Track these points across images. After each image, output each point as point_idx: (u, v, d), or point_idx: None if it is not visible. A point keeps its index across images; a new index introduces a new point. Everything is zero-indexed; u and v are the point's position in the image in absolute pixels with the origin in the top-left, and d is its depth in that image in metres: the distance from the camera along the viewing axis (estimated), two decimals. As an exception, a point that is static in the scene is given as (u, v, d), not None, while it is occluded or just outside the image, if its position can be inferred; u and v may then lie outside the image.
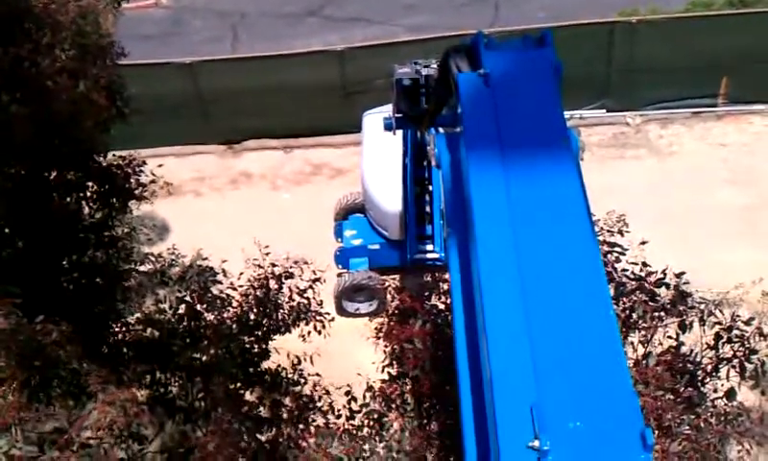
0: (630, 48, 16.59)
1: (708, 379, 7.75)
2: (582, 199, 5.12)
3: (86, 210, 7.50)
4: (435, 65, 7.70)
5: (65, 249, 7.04)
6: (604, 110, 17.30)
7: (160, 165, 8.55)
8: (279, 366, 8.24)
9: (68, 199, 7.23)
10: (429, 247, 13.08)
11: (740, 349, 7.64)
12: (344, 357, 10.68)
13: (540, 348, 4.29)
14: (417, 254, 13.04)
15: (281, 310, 8.27)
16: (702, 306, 7.82)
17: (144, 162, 7.70)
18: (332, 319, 8.69)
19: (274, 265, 8.39)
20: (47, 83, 6.78)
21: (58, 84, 6.80)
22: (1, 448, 4.51)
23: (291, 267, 8.39)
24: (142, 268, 7.81)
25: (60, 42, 6.87)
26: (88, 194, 7.40)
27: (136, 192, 7.52)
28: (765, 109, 17.09)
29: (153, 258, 7.74)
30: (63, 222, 7.03)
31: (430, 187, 12.92)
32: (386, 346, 8.34)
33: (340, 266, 13.73)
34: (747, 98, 17.08)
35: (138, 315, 7.62)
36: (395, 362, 8.21)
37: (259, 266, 8.38)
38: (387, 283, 10.03)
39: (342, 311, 13.39)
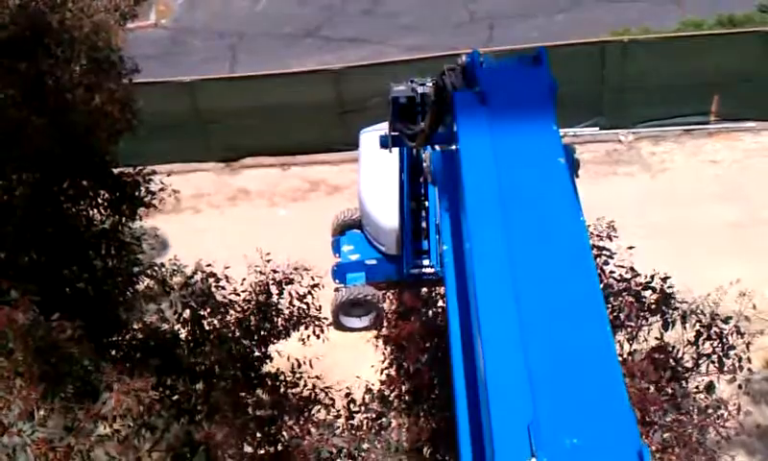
0: (622, 67, 16.85)
1: (689, 375, 8.10)
2: (579, 213, 5.20)
3: (97, 217, 7.74)
4: (431, 84, 7.86)
5: (77, 253, 7.25)
6: (597, 128, 17.53)
7: (169, 174, 8.78)
8: (279, 370, 8.45)
9: (81, 205, 7.46)
10: (425, 261, 13.25)
11: (719, 345, 8.08)
12: (342, 369, 10.84)
13: (537, 364, 4.28)
14: (413, 268, 13.22)
15: (282, 315, 8.48)
16: (684, 306, 8.20)
17: (154, 171, 7.93)
18: (330, 323, 8.88)
19: (275, 271, 8.59)
20: (66, 95, 7.05)
21: (75, 97, 7.08)
22: (25, 432, 4.69)
23: (291, 273, 8.59)
24: (146, 277, 8.00)
25: (77, 57, 7.14)
26: (99, 201, 7.63)
27: (146, 200, 7.75)
28: (755, 126, 17.34)
29: (156, 268, 7.94)
30: (76, 228, 7.26)
31: (426, 203, 13.11)
32: (385, 348, 8.57)
33: (337, 281, 13.89)
34: (737, 116, 17.33)
35: (140, 326, 7.81)
36: (393, 363, 8.45)
37: (261, 272, 8.58)
38: (385, 292, 10.26)
39: (339, 326, 13.55)
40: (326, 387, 8.44)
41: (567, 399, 4.19)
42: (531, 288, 4.65)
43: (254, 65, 18.66)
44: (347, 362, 11.60)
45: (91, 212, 7.64)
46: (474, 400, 5.09)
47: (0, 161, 6.64)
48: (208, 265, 8.20)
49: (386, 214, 13.16)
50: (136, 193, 7.65)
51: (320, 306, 8.88)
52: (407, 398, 8.21)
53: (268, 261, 8.67)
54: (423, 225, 13.32)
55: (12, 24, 6.78)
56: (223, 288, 8.19)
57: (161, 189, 8.04)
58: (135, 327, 7.64)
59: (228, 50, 20.75)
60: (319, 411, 8.14)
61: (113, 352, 7.14)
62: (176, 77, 16.88)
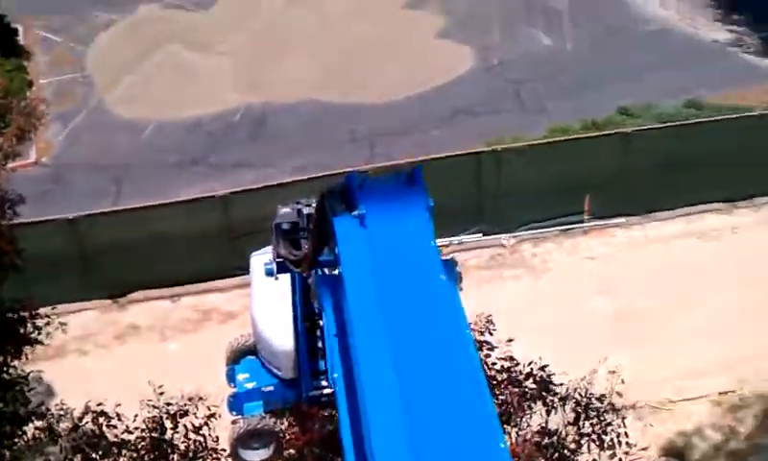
0: (498, 174, 17.72)
1: (574, 457, 8.44)
2: (464, 326, 5.36)
3: None
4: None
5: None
6: (480, 234, 18.14)
7: (53, 308, 8.54)
8: None
9: None
10: (324, 382, 13.12)
11: (597, 423, 8.48)
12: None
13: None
14: (312, 390, 13.04)
15: (177, 450, 8.21)
16: (561, 389, 8.63)
17: (40, 306, 7.74)
18: (229, 454, 8.68)
19: (168, 404, 8.37)
20: None
21: None
22: None
23: (186, 404, 8.39)
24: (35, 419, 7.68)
25: None
26: None
27: (32, 336, 7.52)
28: (626, 221, 18.49)
29: (41, 412, 7.64)
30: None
31: (320, 322, 13.08)
32: None
33: (234, 413, 13.49)
34: (609, 213, 18.42)
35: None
36: None
37: (154, 406, 8.34)
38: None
39: (239, 460, 13.10)
40: None
41: None
42: (422, 409, 4.72)
43: (140, 197, 18.49)
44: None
45: None
46: None
47: None
48: (99, 404, 7.93)
49: (280, 336, 13.01)
50: (22, 330, 7.45)
51: (217, 437, 8.68)
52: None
53: (161, 394, 8.46)
54: (320, 345, 13.26)
55: None
56: (114, 427, 7.93)
57: (47, 324, 7.87)
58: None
59: (112, 183, 20.50)
60: None
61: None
62: (58, 215, 16.50)
